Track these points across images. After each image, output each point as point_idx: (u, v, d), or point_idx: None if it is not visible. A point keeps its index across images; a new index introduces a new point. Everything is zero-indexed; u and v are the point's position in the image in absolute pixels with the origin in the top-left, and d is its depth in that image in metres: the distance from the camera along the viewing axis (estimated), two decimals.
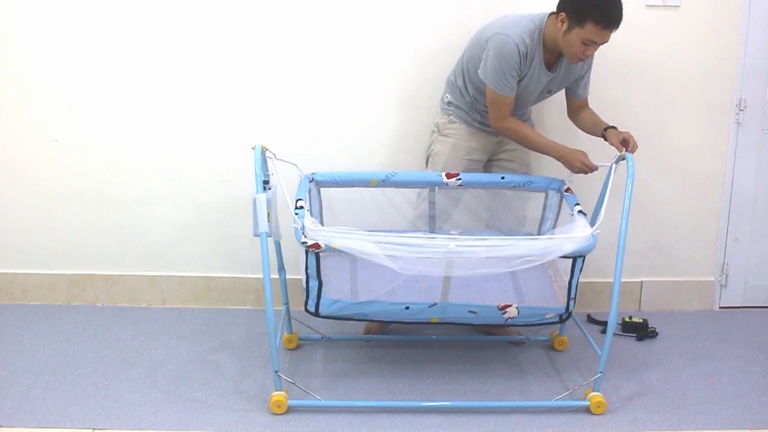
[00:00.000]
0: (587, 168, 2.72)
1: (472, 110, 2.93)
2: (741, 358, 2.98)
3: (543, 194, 2.89)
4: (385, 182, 2.85)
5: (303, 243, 2.37)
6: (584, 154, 2.72)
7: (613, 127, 2.83)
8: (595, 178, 2.74)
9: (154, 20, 3.12)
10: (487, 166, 3.05)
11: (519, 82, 2.77)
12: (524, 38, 2.67)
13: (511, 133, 2.83)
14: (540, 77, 2.80)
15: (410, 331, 3.12)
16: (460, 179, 2.84)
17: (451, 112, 2.97)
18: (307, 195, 2.63)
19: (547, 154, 2.83)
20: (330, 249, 2.35)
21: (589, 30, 2.57)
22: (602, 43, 2.64)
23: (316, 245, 2.35)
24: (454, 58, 2.97)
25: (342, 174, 2.86)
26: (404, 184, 2.89)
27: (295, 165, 2.73)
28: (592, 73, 3.02)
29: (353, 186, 2.88)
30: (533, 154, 3.03)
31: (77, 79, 3.17)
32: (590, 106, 3.05)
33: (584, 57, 2.67)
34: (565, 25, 2.62)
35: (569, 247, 2.39)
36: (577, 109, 2.99)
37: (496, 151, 3.01)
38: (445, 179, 2.84)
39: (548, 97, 2.96)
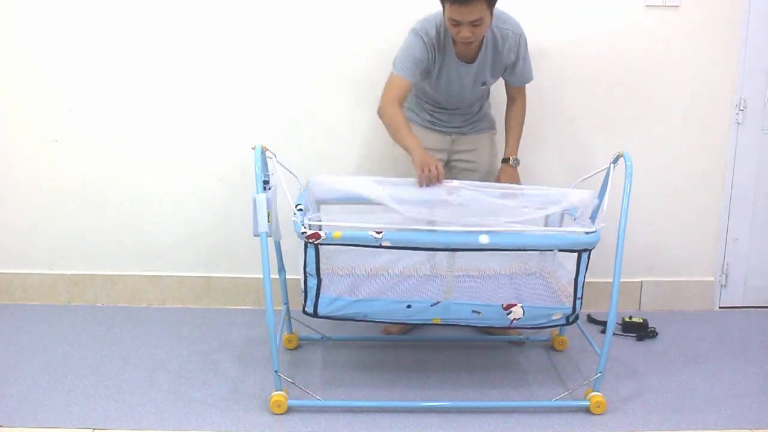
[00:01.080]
0: (429, 176, 2.59)
1: (421, 110, 2.94)
2: (741, 358, 2.98)
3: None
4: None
5: (302, 233, 2.36)
6: (434, 160, 2.61)
7: (506, 161, 2.87)
8: (593, 180, 2.73)
9: (154, 20, 3.12)
10: (446, 167, 2.99)
11: (437, 76, 2.77)
12: (429, 30, 2.68)
13: (385, 118, 2.72)
14: (459, 70, 2.77)
15: (410, 331, 3.12)
16: (460, 195, 2.82)
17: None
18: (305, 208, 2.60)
19: (401, 146, 2.71)
20: (330, 238, 2.34)
21: (448, 10, 2.56)
22: (468, 22, 2.54)
23: (316, 235, 2.35)
24: None
25: (342, 190, 2.81)
26: (404, 200, 2.76)
27: (295, 176, 2.71)
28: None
29: (353, 202, 2.82)
30: (497, 158, 3.02)
31: (77, 79, 3.17)
32: (590, 105, 3.04)
33: (462, 39, 2.60)
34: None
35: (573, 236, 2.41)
36: (509, 96, 2.95)
37: (453, 151, 2.98)
38: (445, 195, 2.81)
39: (485, 89, 2.90)
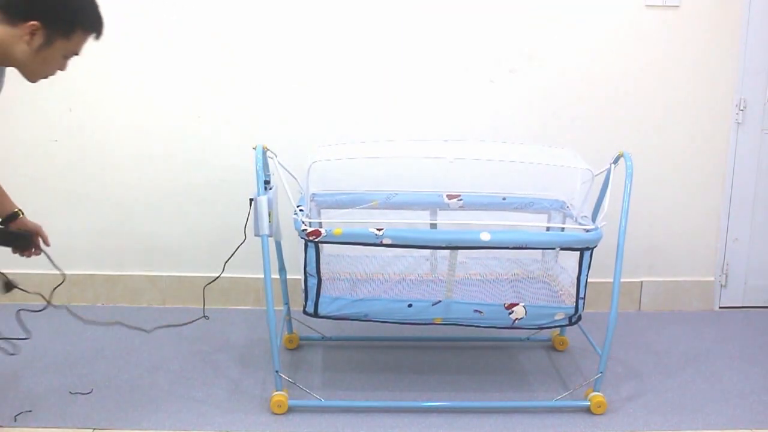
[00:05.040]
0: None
1: None
2: (741, 358, 2.98)
3: (546, 215, 2.85)
4: (386, 202, 2.82)
5: (303, 231, 2.36)
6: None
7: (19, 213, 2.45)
8: (594, 180, 2.73)
9: (154, 20, 3.12)
10: None
11: None
12: None
13: None
14: None
15: (411, 330, 3.12)
16: (461, 200, 2.82)
17: None
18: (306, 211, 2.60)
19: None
20: (331, 235, 2.33)
21: (76, 40, 2.07)
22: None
23: (317, 232, 2.35)
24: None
25: (343, 195, 2.83)
26: (405, 205, 2.83)
27: (295, 178, 2.69)
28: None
29: (354, 207, 2.81)
30: None
31: (77, 79, 3.16)
32: (590, 105, 3.01)
33: (53, 73, 2.12)
34: (40, 38, 2.01)
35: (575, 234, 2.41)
36: None
37: None
38: (446, 200, 2.82)
39: None
